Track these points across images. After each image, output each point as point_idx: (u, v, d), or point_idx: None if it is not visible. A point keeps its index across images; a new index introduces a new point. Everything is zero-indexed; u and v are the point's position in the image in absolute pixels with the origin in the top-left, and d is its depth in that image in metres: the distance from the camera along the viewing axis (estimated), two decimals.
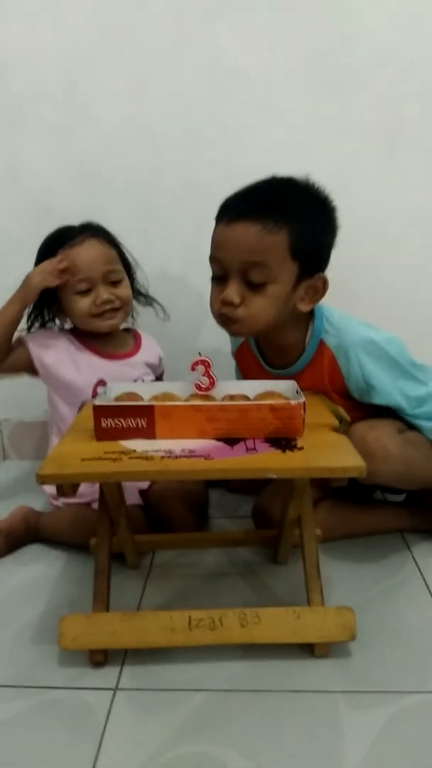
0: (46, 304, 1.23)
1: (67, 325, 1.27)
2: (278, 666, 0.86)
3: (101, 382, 1.18)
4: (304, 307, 1.01)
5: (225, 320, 1.00)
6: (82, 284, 1.16)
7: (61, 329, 1.27)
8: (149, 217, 1.41)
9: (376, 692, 0.82)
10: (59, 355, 1.21)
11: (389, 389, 1.04)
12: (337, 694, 0.81)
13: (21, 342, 1.21)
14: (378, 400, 1.05)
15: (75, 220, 1.21)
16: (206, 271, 1.42)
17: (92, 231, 1.19)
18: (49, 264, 1.14)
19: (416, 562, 1.10)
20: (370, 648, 0.89)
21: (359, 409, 1.06)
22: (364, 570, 1.08)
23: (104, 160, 1.38)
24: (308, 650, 0.88)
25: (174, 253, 1.43)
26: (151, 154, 1.37)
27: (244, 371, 1.23)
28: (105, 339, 1.24)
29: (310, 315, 1.06)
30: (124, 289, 1.21)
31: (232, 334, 1.08)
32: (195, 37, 1.29)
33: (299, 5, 1.27)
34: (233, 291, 0.96)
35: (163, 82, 1.33)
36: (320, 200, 0.99)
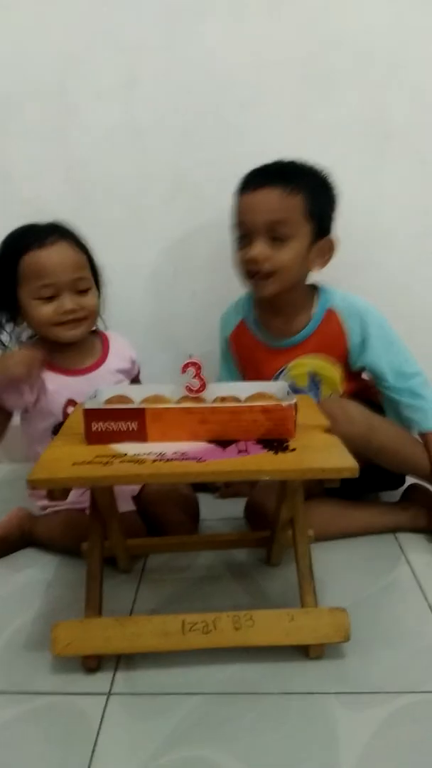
0: (2, 308, 1.14)
1: (25, 334, 1.17)
2: (272, 668, 0.86)
3: (71, 402, 1.11)
4: (317, 268, 1.15)
5: (255, 278, 1.12)
6: (46, 290, 1.07)
7: (19, 341, 1.17)
8: (140, 218, 1.40)
9: (371, 693, 0.82)
10: (20, 386, 1.11)
11: (379, 353, 1.15)
12: (332, 695, 0.81)
13: None
14: (367, 360, 1.16)
15: (65, 221, 1.17)
16: (198, 271, 1.44)
17: (62, 233, 1.11)
18: (30, 358, 1.08)
19: (409, 563, 1.10)
20: (364, 649, 0.89)
21: (351, 380, 1.20)
22: (357, 571, 1.08)
23: (94, 161, 1.37)
24: (302, 652, 0.88)
25: (165, 254, 1.42)
26: (142, 155, 1.36)
27: (241, 352, 1.26)
28: (68, 351, 1.15)
29: (315, 289, 1.20)
30: (91, 299, 1.12)
31: (262, 292, 1.14)
32: (185, 38, 1.29)
33: (289, 6, 1.27)
34: (259, 248, 1.09)
35: (153, 82, 1.32)
36: (323, 175, 1.14)
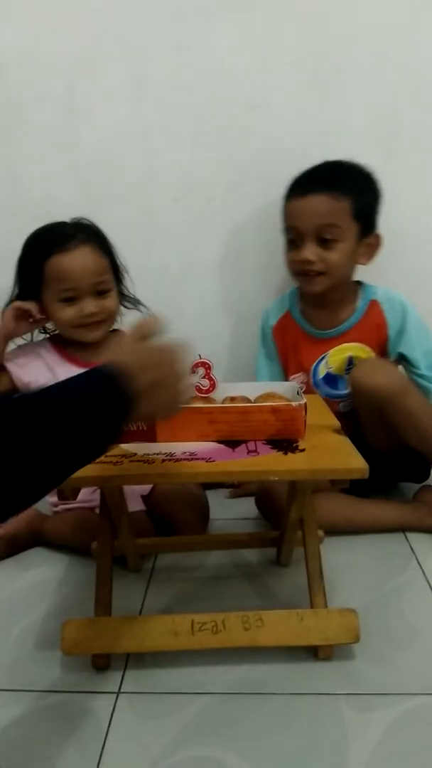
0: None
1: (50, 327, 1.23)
2: (281, 669, 0.86)
3: None
4: (365, 261, 1.22)
5: (306, 276, 1.20)
6: (68, 293, 1.11)
7: (43, 332, 1.24)
8: (148, 219, 1.40)
9: (380, 695, 0.81)
10: (39, 373, 1.16)
11: (414, 343, 1.22)
12: (341, 696, 0.81)
13: (1, 368, 1.17)
14: (403, 349, 1.22)
15: (89, 220, 1.19)
16: (206, 272, 1.44)
17: (86, 235, 1.14)
18: (16, 310, 1.12)
19: (420, 564, 1.09)
20: (374, 650, 0.89)
21: None
22: (368, 572, 1.08)
23: (103, 162, 1.37)
24: (312, 653, 0.88)
25: (174, 255, 1.42)
26: (150, 156, 1.36)
27: (285, 341, 1.33)
28: (88, 346, 1.18)
29: (359, 284, 1.28)
30: (111, 301, 1.16)
31: (313, 289, 1.22)
32: (193, 39, 1.29)
33: (297, 6, 1.26)
34: (310, 251, 1.16)
35: (161, 83, 1.32)
36: (366, 174, 1.19)
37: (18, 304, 1.13)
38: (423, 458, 1.20)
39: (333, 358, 1.25)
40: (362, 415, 1.18)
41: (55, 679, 0.86)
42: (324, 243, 1.16)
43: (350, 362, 1.24)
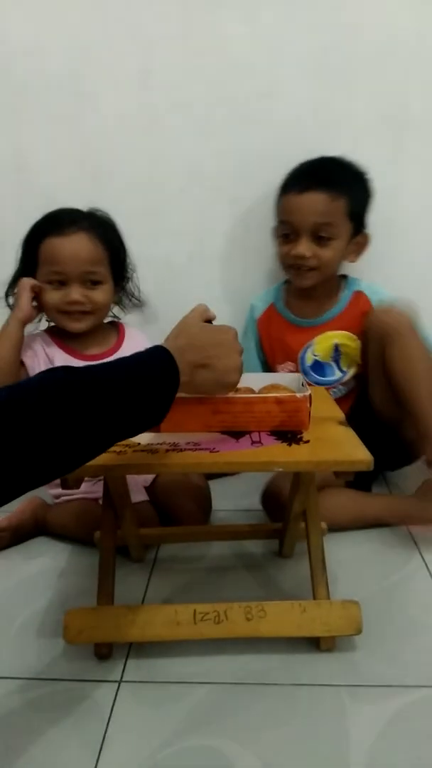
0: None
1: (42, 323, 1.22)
2: (283, 660, 0.86)
3: None
4: (353, 259, 1.27)
5: (299, 270, 1.23)
6: (56, 276, 1.11)
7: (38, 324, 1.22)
8: (154, 208, 1.39)
9: (382, 686, 0.81)
10: (35, 356, 1.16)
11: None
12: (342, 687, 0.81)
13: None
14: None
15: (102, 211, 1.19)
16: (212, 262, 1.43)
17: (89, 223, 1.13)
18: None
19: (422, 557, 1.09)
20: (375, 642, 0.89)
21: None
22: (370, 564, 1.08)
23: (109, 151, 1.36)
24: (314, 644, 0.88)
25: (180, 244, 1.42)
26: (156, 145, 1.36)
27: (270, 332, 1.36)
28: (82, 336, 1.18)
29: (344, 277, 1.32)
30: (101, 294, 1.14)
31: (304, 283, 1.25)
32: (200, 27, 1.28)
33: None
34: (305, 246, 1.19)
35: (168, 71, 1.31)
36: (362, 173, 1.23)
37: (30, 281, 1.12)
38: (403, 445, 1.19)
39: (319, 346, 1.27)
40: (371, 371, 1.20)
41: (57, 667, 0.86)
42: (319, 240, 1.19)
43: (336, 349, 1.27)
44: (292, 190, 1.21)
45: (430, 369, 1.13)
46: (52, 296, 1.12)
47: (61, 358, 1.17)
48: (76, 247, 1.10)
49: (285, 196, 1.23)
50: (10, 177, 1.39)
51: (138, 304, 1.25)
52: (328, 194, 1.17)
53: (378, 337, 1.14)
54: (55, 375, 0.62)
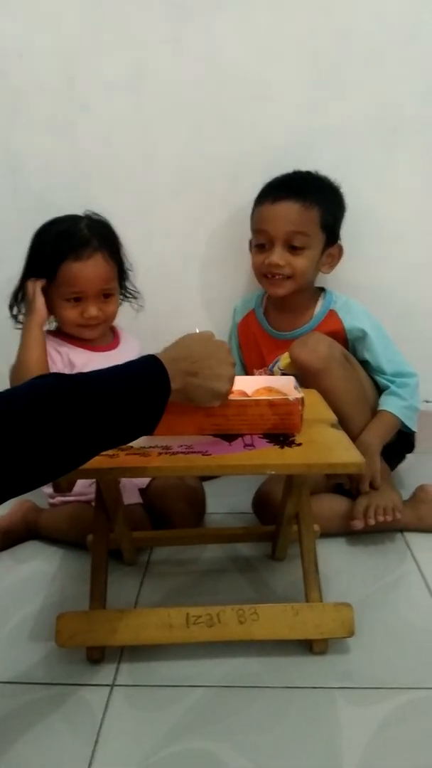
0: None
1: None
2: (276, 662, 0.86)
3: None
4: (326, 270, 1.28)
5: (272, 279, 1.24)
6: (75, 295, 1.16)
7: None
8: (147, 212, 1.39)
9: (374, 689, 0.82)
10: (53, 364, 1.19)
11: (378, 351, 1.25)
12: (335, 690, 0.81)
13: None
14: (367, 356, 1.25)
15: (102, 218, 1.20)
16: (204, 266, 1.43)
17: (100, 240, 1.16)
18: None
19: (415, 560, 1.10)
20: (368, 644, 0.89)
21: None
22: (363, 567, 1.08)
23: (103, 154, 1.36)
24: (307, 647, 0.88)
25: (172, 247, 1.42)
26: (150, 149, 1.36)
27: (246, 339, 1.38)
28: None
29: (321, 291, 1.32)
30: (113, 305, 1.21)
31: (277, 292, 1.25)
32: (193, 31, 1.28)
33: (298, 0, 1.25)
34: (278, 255, 1.20)
35: (161, 76, 1.31)
36: (333, 186, 1.26)
37: (40, 283, 1.15)
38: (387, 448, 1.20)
39: (284, 361, 1.24)
40: None
41: (49, 671, 0.86)
42: (292, 249, 1.20)
43: None
44: (266, 201, 1.22)
45: (356, 399, 1.16)
46: (71, 313, 1.17)
47: (77, 353, 1.21)
48: (95, 269, 1.15)
49: (259, 206, 1.24)
50: (4, 179, 1.38)
51: (136, 295, 1.28)
52: (302, 204, 1.18)
53: (302, 375, 1.09)
54: (45, 381, 0.62)
